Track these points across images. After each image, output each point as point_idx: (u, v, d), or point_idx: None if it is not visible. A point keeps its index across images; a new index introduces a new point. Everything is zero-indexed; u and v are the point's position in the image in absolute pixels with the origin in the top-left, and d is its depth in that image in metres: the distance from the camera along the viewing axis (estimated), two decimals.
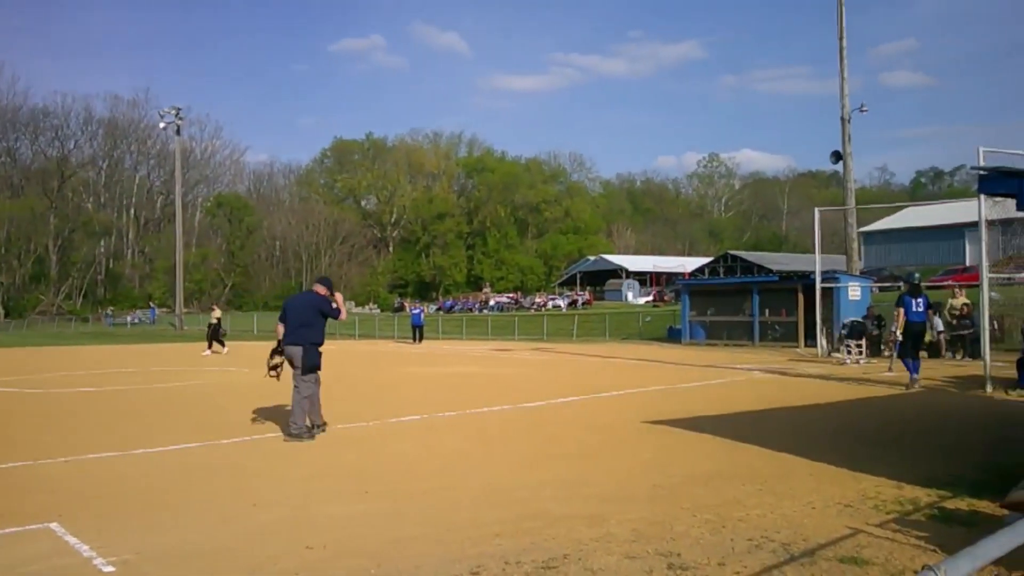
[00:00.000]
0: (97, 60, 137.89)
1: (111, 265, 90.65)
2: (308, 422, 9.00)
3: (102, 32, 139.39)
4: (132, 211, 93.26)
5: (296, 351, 8.90)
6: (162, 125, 58.11)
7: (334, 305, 9.25)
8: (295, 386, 8.92)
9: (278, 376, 9.29)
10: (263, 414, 10.87)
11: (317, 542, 4.94)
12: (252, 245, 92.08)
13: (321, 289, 9.38)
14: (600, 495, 6.09)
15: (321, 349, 9.04)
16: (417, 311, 36.96)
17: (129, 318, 69.05)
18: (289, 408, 9.13)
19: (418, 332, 34.56)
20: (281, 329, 9.12)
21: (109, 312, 73.31)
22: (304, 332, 8.94)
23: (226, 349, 26.90)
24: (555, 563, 4.44)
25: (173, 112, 55.61)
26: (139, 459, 7.89)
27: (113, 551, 4.80)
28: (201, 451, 8.30)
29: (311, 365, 8.90)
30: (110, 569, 4.52)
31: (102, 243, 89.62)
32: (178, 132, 58.40)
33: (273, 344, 9.35)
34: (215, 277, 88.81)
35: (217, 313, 28.79)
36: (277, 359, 9.25)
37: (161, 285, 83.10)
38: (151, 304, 76.74)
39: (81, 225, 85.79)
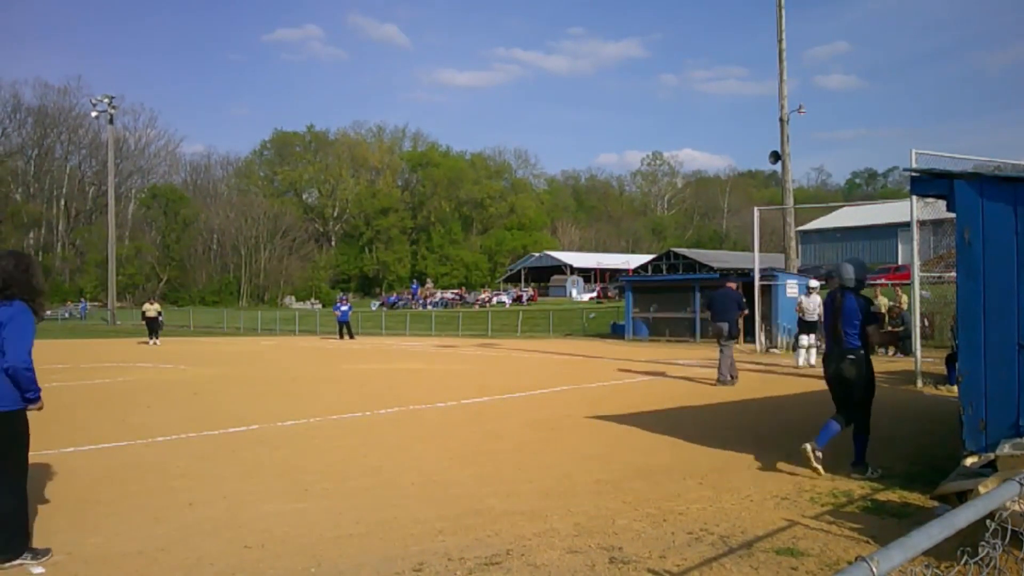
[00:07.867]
0: (26, 46, 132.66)
1: (40, 258, 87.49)
2: (728, 376, 13.11)
3: (31, 17, 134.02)
4: (63, 202, 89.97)
5: (724, 327, 13.18)
6: (94, 114, 56.21)
7: (743, 299, 13.82)
8: (721, 349, 13.25)
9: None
10: (197, 412, 10.62)
11: (255, 541, 4.85)
12: (188, 238, 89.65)
13: (733, 284, 14.19)
14: (542, 490, 6.11)
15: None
16: (346, 307, 33.26)
17: (60, 312, 66.91)
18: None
19: (346, 328, 31.85)
20: (709, 314, 14.38)
21: None
22: (727, 315, 13.21)
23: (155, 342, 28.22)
24: (498, 559, 4.43)
25: (106, 100, 53.99)
26: (68, 457, 7.64)
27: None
28: (133, 449, 8.08)
29: (732, 334, 13.29)
30: (40, 571, 4.39)
31: (31, 235, 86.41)
32: (111, 121, 56.73)
33: None
34: (149, 271, 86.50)
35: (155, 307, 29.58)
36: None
37: (93, 279, 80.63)
38: (82, 298, 74.45)
39: (9, 216, 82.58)
